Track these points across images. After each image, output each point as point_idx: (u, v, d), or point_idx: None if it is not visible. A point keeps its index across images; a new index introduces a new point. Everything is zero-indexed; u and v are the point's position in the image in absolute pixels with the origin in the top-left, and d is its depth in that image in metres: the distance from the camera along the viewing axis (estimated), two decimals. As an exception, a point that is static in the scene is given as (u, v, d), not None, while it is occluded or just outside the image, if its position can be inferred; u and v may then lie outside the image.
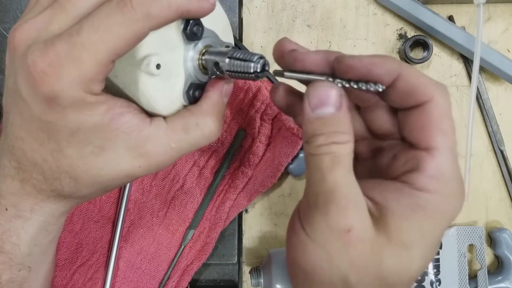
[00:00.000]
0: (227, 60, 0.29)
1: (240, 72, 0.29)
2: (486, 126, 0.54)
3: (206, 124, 0.31)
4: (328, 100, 0.27)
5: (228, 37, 0.34)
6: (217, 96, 0.31)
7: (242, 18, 0.54)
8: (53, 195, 0.31)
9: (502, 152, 0.53)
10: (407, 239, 0.26)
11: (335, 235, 0.26)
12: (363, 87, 0.26)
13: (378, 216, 0.27)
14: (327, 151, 0.26)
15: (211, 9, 0.29)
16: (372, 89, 0.26)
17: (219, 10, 0.33)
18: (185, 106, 0.32)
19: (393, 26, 0.54)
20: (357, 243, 0.25)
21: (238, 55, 0.29)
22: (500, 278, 0.52)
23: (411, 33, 0.54)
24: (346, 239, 0.25)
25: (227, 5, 0.53)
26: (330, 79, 0.27)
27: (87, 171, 0.29)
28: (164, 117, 0.31)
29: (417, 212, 0.26)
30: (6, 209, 0.31)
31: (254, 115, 0.50)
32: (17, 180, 0.30)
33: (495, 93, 0.54)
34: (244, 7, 0.54)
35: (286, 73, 0.29)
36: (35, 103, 0.26)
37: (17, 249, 0.32)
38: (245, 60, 0.29)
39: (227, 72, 0.30)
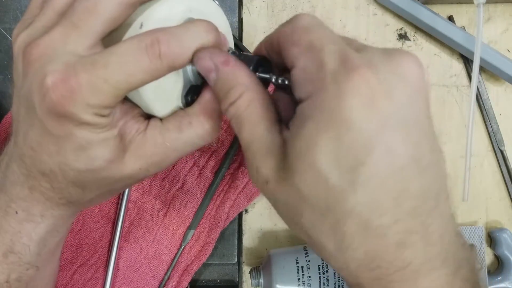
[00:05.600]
0: None
1: None
2: (486, 126, 0.54)
3: (199, 123, 0.30)
4: (210, 67, 0.28)
5: (228, 41, 0.34)
6: (210, 95, 0.31)
7: (242, 18, 0.54)
8: (62, 202, 0.32)
9: (502, 152, 0.53)
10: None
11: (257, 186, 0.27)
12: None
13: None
14: (230, 115, 0.27)
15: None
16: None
17: (219, 13, 0.32)
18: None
19: (393, 26, 0.54)
20: (272, 191, 0.26)
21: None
22: (500, 278, 0.52)
23: (411, 33, 0.54)
24: (265, 191, 0.26)
25: (227, 5, 0.53)
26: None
27: (94, 181, 0.30)
28: (161, 119, 0.31)
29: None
30: (17, 213, 0.32)
31: (254, 115, 0.50)
32: (26, 187, 0.31)
33: (495, 93, 0.54)
34: (244, 7, 0.54)
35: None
36: (48, 119, 0.27)
37: (27, 250, 0.32)
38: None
39: None
